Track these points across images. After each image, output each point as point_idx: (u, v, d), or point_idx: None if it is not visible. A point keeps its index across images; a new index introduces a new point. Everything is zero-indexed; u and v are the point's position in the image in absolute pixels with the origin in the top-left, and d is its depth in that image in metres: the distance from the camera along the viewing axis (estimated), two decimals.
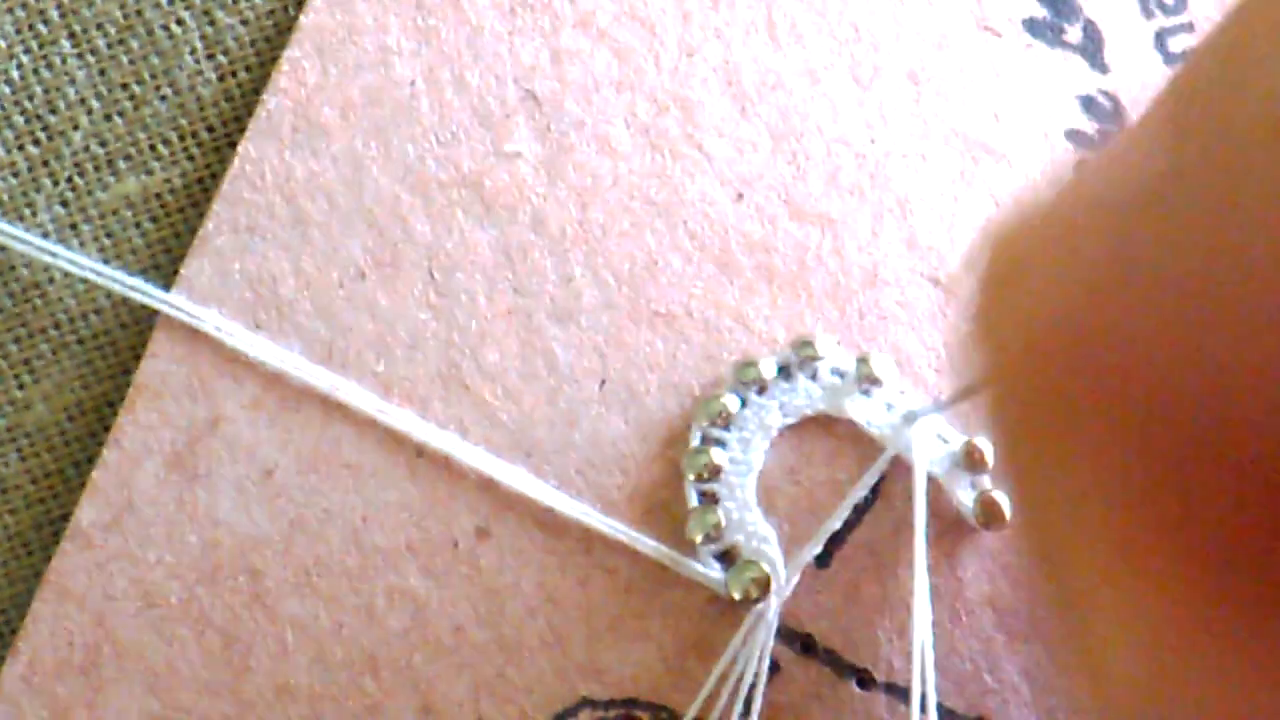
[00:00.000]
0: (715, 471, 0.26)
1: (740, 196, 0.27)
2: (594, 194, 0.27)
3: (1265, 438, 0.14)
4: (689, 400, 0.26)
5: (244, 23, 0.27)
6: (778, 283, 0.26)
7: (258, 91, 0.27)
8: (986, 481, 0.26)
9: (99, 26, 0.27)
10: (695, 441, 0.26)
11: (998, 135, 0.27)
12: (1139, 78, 0.27)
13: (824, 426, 0.26)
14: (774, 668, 0.25)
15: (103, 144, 0.27)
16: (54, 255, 0.26)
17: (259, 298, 0.26)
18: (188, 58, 0.27)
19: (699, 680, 0.25)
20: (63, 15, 0.27)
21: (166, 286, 0.26)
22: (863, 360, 0.26)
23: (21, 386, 0.26)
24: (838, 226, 0.27)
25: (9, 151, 0.27)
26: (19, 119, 0.27)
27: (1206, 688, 0.15)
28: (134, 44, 0.27)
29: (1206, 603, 0.15)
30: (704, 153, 0.27)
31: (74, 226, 0.27)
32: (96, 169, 0.27)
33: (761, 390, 0.26)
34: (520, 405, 0.26)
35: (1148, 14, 0.27)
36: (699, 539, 0.25)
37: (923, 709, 0.25)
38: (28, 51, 0.27)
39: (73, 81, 0.27)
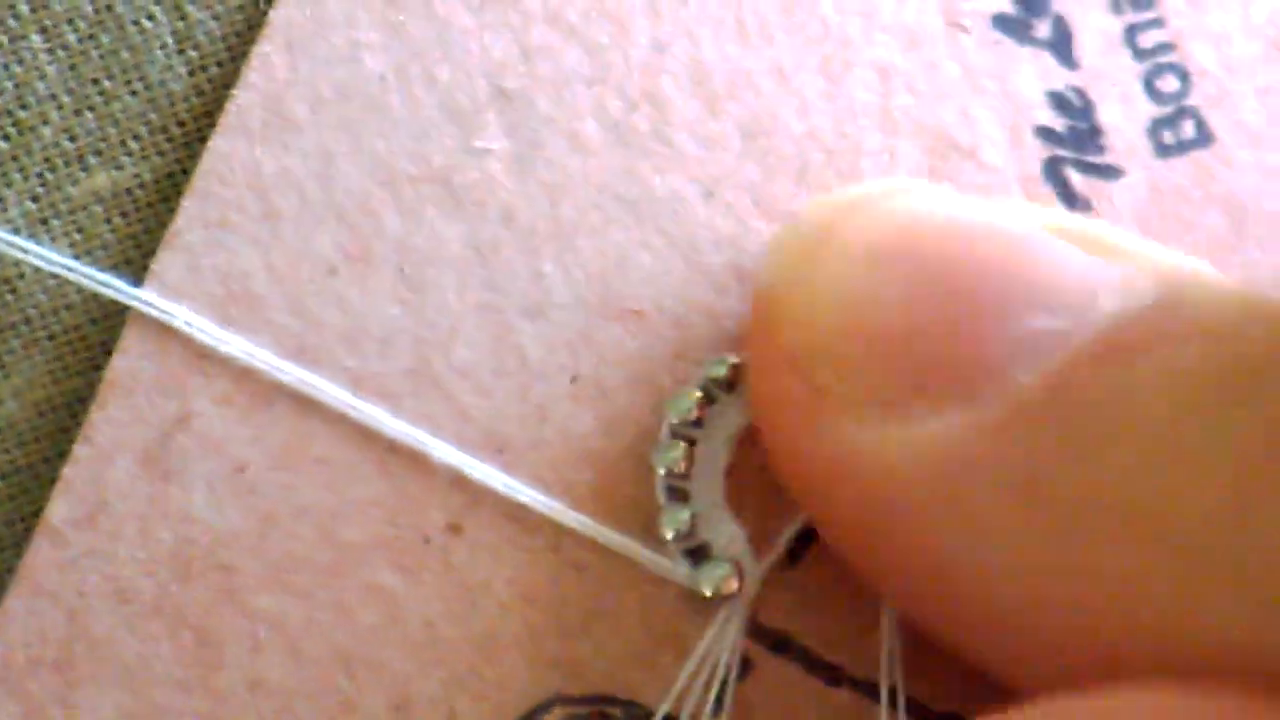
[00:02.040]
0: (685, 468, 0.26)
1: (710, 194, 0.26)
2: (564, 190, 0.26)
3: None
4: (659, 397, 0.26)
5: (215, 18, 0.27)
6: (747, 280, 0.26)
7: (228, 86, 0.27)
8: None
9: (69, 21, 0.27)
10: (665, 438, 0.26)
11: (966, 132, 0.27)
12: (1109, 74, 0.27)
13: None
14: (746, 665, 0.25)
15: (73, 139, 0.27)
16: (24, 251, 0.26)
17: (229, 293, 0.26)
18: (158, 53, 0.27)
19: (671, 677, 0.25)
20: (33, 10, 0.27)
21: (137, 282, 0.26)
22: None
23: None
24: None
25: None
26: None
27: None
28: (105, 39, 0.27)
29: None
30: (674, 150, 0.27)
31: (44, 222, 0.27)
32: (67, 164, 0.27)
33: (731, 387, 0.26)
34: (491, 401, 0.26)
35: (1117, 9, 0.27)
36: (670, 536, 0.25)
37: (892, 705, 0.25)
38: None
39: (43, 76, 0.27)
